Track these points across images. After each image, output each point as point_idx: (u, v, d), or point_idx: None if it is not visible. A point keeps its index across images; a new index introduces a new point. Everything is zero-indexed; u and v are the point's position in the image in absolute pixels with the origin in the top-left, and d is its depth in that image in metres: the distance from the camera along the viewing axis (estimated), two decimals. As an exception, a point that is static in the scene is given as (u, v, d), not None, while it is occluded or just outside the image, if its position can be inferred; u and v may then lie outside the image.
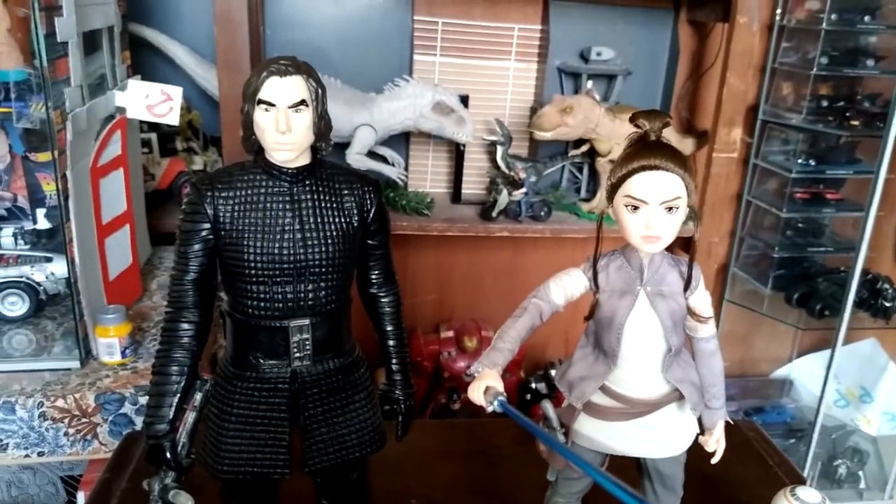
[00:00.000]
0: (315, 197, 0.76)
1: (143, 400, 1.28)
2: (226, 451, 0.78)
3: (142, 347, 1.42)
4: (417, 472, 1.14)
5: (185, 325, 0.76)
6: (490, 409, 0.72)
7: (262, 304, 0.76)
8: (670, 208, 0.74)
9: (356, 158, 1.94)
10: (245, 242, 0.74)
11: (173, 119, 1.49)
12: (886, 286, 2.22)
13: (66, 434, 1.27)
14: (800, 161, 2.18)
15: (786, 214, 2.20)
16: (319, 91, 0.73)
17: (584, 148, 2.10)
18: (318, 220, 0.76)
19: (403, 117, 1.95)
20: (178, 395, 0.75)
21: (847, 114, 2.12)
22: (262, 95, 0.71)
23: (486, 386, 0.74)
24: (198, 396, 0.77)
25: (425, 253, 2.26)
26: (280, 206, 0.75)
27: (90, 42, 1.44)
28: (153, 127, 1.90)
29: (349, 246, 0.79)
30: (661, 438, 0.84)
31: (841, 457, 2.32)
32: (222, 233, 0.75)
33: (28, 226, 1.57)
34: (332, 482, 0.84)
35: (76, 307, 1.33)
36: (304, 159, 0.76)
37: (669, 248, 0.82)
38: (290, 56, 0.73)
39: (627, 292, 0.79)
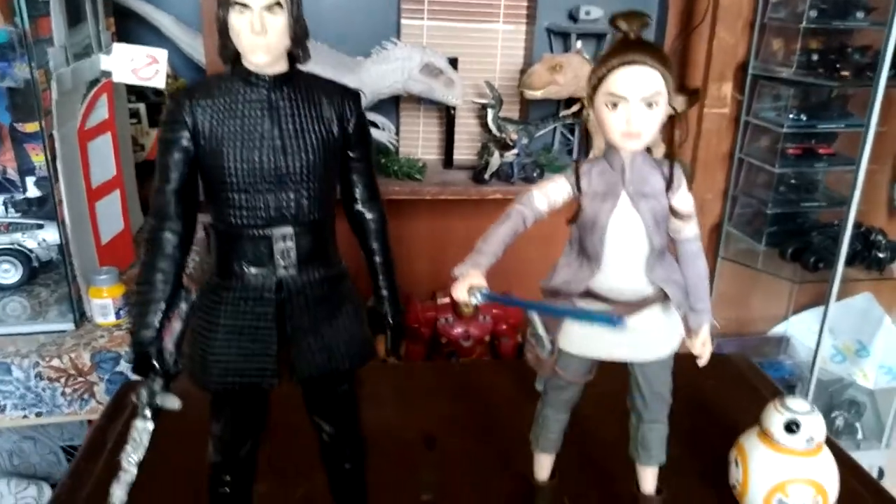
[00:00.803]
0: (293, 104, 0.76)
1: (139, 358, 1.29)
2: (213, 363, 0.79)
3: (136, 309, 1.42)
4: (412, 408, 1.18)
5: (169, 235, 0.76)
6: (474, 301, 0.75)
7: (245, 212, 0.76)
8: (650, 104, 0.75)
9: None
10: (224, 150, 0.75)
11: (159, 82, 1.48)
12: (879, 238, 2.22)
13: (63, 394, 1.27)
14: (791, 116, 2.17)
15: (779, 170, 2.20)
16: None
17: (575, 108, 2.09)
18: (297, 127, 0.76)
19: (392, 80, 1.94)
20: (164, 302, 0.76)
21: (837, 66, 2.11)
22: None
23: (469, 284, 0.75)
24: (183, 306, 0.77)
25: (419, 219, 2.27)
26: (258, 113, 0.75)
27: (74, 12, 1.44)
28: (141, 97, 1.90)
29: (329, 155, 0.79)
30: (647, 341, 0.85)
31: (838, 409, 2.34)
32: (202, 141, 0.75)
33: (18, 196, 1.57)
34: (321, 395, 0.85)
35: (69, 269, 1.33)
36: (282, 66, 0.76)
37: None
38: None
39: (610, 194, 0.80)
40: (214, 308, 0.79)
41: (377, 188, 0.87)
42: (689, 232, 0.84)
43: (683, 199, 0.82)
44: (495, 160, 2.04)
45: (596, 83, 0.76)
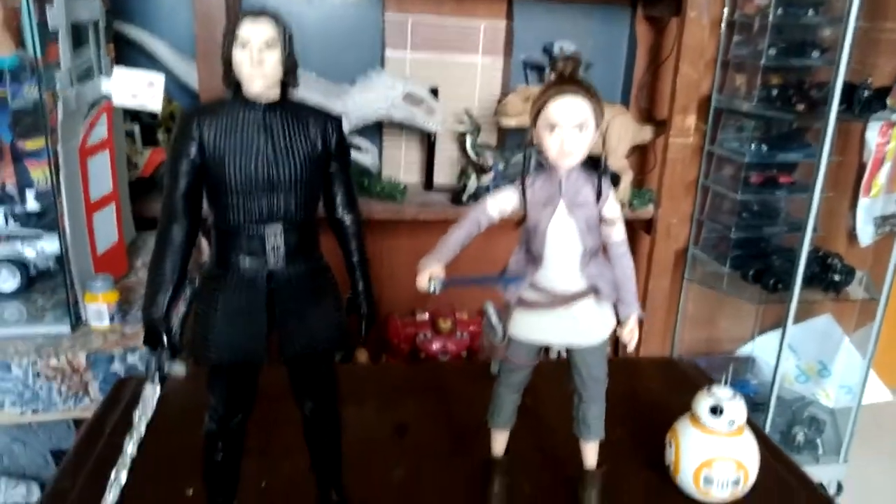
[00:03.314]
0: (284, 125, 0.90)
1: (132, 358, 1.38)
2: (212, 341, 0.90)
3: (129, 315, 1.51)
4: (388, 404, 1.32)
5: (176, 230, 0.89)
6: (433, 288, 0.88)
7: (242, 213, 0.89)
8: (580, 128, 0.89)
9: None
10: (226, 161, 0.87)
11: (156, 105, 1.58)
12: (836, 261, 2.35)
13: (58, 392, 1.36)
14: (752, 147, 2.31)
15: (741, 197, 2.33)
16: (286, 33, 0.87)
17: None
18: (287, 143, 0.89)
19: (376, 107, 2.06)
20: (172, 286, 0.88)
21: (794, 100, 2.25)
22: (238, 35, 0.85)
23: (428, 275, 0.89)
24: (187, 292, 0.90)
25: (399, 238, 2.36)
26: (255, 131, 0.88)
27: (77, 36, 1.54)
28: (136, 118, 2.01)
29: (314, 167, 0.92)
30: (583, 328, 0.98)
31: (799, 425, 2.44)
32: (206, 154, 0.88)
33: (18, 209, 1.66)
34: (304, 374, 0.97)
35: (67, 275, 1.42)
36: (275, 93, 0.89)
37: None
38: (261, 6, 0.87)
39: (549, 203, 0.93)
40: (214, 293, 0.91)
41: (355, 196, 1.00)
42: (617, 236, 0.97)
43: (611, 207, 0.95)
44: (473, 183, 2.15)
45: (536, 112, 0.90)
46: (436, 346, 2.31)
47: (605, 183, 0.93)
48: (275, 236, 0.89)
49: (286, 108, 0.90)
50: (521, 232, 0.98)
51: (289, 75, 0.88)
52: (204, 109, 0.89)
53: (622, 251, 0.97)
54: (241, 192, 0.88)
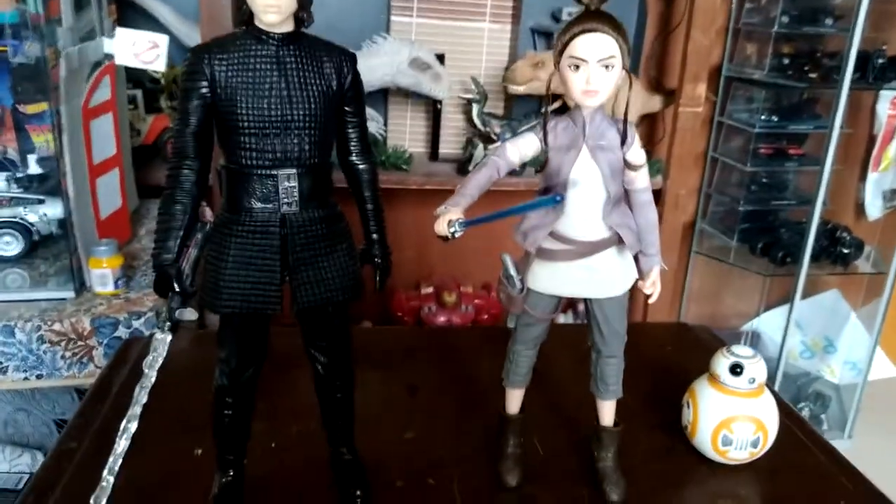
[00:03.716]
0: (298, 61, 0.86)
1: (137, 324, 1.36)
2: (224, 288, 0.87)
3: (133, 281, 1.48)
4: (398, 365, 1.29)
5: (187, 171, 0.85)
6: (453, 231, 0.84)
7: (254, 154, 0.86)
8: (607, 66, 0.85)
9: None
10: (237, 99, 0.84)
11: (160, 65, 1.54)
12: (845, 234, 2.33)
13: (62, 357, 1.34)
14: (763, 117, 2.28)
15: (750, 169, 2.30)
16: None
17: (558, 104, 2.18)
18: (301, 80, 0.86)
19: (382, 73, 2.02)
20: (182, 230, 0.85)
21: (807, 69, 2.21)
22: None
23: (449, 219, 0.85)
24: (199, 236, 0.87)
25: (404, 209, 2.33)
26: (267, 67, 0.84)
27: (79, -1, 1.51)
28: (138, 84, 1.97)
29: (328, 105, 0.88)
30: (604, 279, 0.95)
31: (805, 401, 2.43)
32: (218, 90, 0.84)
33: (20, 173, 1.63)
34: (317, 327, 0.94)
35: (71, 239, 1.40)
36: (289, 26, 0.85)
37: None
38: None
39: (572, 147, 0.90)
40: (225, 239, 0.87)
41: (369, 143, 0.97)
42: (641, 183, 0.93)
43: (636, 153, 0.91)
44: (479, 153, 2.12)
45: (561, 48, 0.86)
46: (441, 319, 2.29)
47: (631, 127, 0.90)
48: (288, 179, 0.86)
49: (300, 42, 0.87)
50: (541, 178, 0.95)
51: (303, 8, 0.85)
52: (214, 44, 0.85)
53: (646, 199, 0.94)
54: (253, 131, 0.84)
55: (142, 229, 1.77)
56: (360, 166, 0.95)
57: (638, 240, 0.95)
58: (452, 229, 0.84)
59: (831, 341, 2.72)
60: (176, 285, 0.84)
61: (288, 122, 0.85)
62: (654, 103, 2.26)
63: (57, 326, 1.32)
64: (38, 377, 1.35)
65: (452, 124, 2.26)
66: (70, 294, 1.41)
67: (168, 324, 0.84)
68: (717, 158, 2.44)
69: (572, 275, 0.94)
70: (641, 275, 0.97)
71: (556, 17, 2.20)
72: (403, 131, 2.29)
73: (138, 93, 1.96)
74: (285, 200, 0.87)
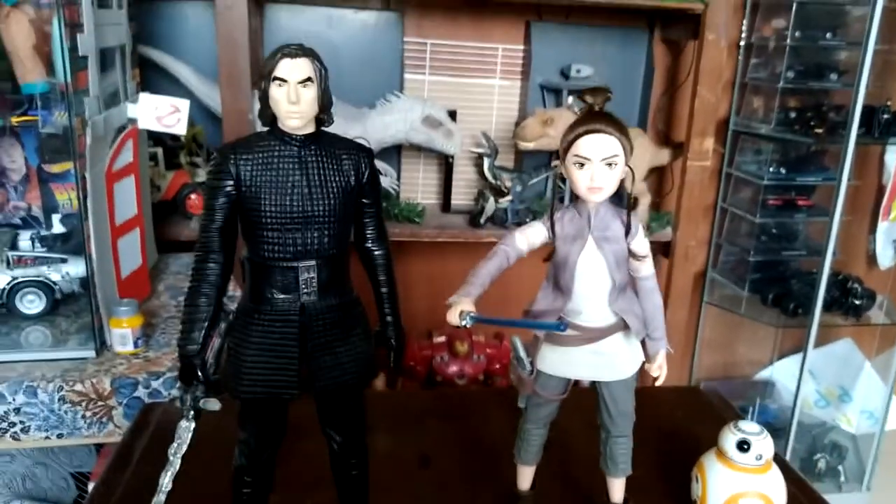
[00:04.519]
0: (319, 160, 0.91)
1: (156, 384, 1.38)
2: (245, 375, 0.90)
3: (153, 339, 1.51)
4: (411, 431, 1.30)
5: (212, 265, 0.89)
6: (464, 323, 0.87)
7: (276, 248, 0.90)
8: (610, 164, 0.89)
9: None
10: (261, 196, 0.88)
11: (181, 129, 1.60)
12: (856, 285, 2.33)
13: (83, 417, 1.36)
14: (771, 170, 2.31)
15: (759, 220, 2.33)
16: (322, 71, 0.88)
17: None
18: (322, 178, 0.90)
19: (395, 130, 2.07)
20: (207, 321, 0.88)
21: (813, 123, 2.25)
22: (276, 73, 0.86)
23: (460, 310, 0.88)
24: (222, 326, 0.90)
25: (417, 260, 2.37)
26: (290, 166, 0.89)
27: (104, 60, 1.57)
28: (158, 142, 2.03)
29: (347, 201, 0.93)
30: (611, 363, 0.98)
31: (821, 452, 2.41)
32: (243, 188, 0.89)
33: (44, 232, 1.68)
34: (333, 407, 0.97)
35: (92, 299, 1.43)
36: (310, 128, 0.90)
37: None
38: (298, 43, 0.88)
39: (578, 238, 0.93)
40: (247, 329, 0.91)
41: (385, 230, 1.00)
42: (646, 271, 0.97)
43: (640, 243, 0.95)
44: (490, 206, 2.16)
45: (566, 146, 0.90)
46: (453, 369, 2.30)
47: (634, 218, 0.93)
48: (308, 270, 0.90)
49: (320, 142, 0.91)
50: (550, 266, 0.98)
51: (323, 111, 0.90)
52: (239, 145, 0.90)
53: (651, 286, 0.97)
54: (275, 226, 0.88)
55: (160, 285, 1.81)
56: (376, 252, 0.99)
57: (644, 325, 0.98)
58: (464, 321, 0.87)
59: (846, 390, 2.70)
60: (200, 374, 0.87)
61: (309, 218, 0.89)
62: (663, 157, 2.30)
63: (78, 387, 1.35)
64: (59, 436, 1.37)
65: (464, 176, 2.31)
66: (91, 353, 1.44)
67: (192, 413, 0.87)
68: (727, 209, 2.46)
69: (581, 358, 0.97)
70: (648, 358, 1.00)
71: (564, 74, 2.25)
72: (416, 184, 2.34)
73: (159, 150, 2.02)
74: (304, 290, 0.91)
